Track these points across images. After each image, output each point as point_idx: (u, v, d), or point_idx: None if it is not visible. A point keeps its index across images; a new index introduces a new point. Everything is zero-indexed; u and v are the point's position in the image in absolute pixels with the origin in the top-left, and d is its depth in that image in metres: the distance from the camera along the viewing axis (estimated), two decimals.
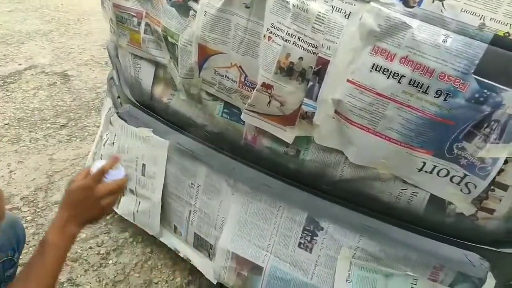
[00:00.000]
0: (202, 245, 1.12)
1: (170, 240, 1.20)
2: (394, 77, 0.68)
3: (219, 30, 0.86)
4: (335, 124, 0.79)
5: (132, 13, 1.05)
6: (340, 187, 0.88)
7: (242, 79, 0.89)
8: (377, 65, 0.69)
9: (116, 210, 1.32)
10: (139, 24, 1.06)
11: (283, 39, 0.76)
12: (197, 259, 1.14)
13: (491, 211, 0.73)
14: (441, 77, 0.65)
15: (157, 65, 1.12)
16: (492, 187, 0.71)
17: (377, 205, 0.85)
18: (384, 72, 0.69)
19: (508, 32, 0.61)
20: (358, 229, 0.88)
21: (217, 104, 0.99)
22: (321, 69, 0.74)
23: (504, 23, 0.61)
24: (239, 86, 0.90)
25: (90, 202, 0.67)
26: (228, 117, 0.99)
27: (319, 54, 0.73)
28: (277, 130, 0.89)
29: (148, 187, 1.20)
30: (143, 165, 1.19)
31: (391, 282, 0.87)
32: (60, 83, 2.38)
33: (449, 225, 0.79)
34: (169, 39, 0.98)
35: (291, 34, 0.74)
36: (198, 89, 1.01)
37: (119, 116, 1.25)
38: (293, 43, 0.75)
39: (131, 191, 1.26)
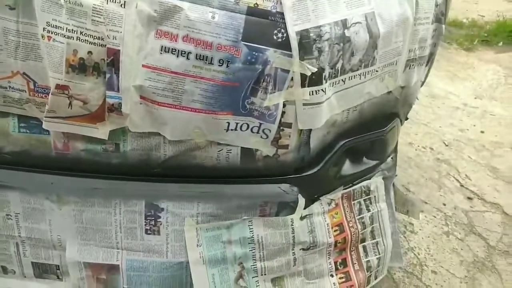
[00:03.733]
0: (46, 270, 1.03)
1: (1, 284, 1.05)
2: (182, 55, 0.76)
3: None
4: (144, 109, 0.83)
5: None
6: (167, 166, 0.93)
7: (32, 87, 0.82)
8: (165, 47, 0.76)
9: None
10: None
11: (64, 36, 0.73)
12: (45, 287, 1.04)
13: (286, 146, 0.92)
14: (218, 48, 0.76)
15: None
16: (281, 128, 0.88)
17: (203, 171, 0.95)
18: (173, 52, 0.76)
19: (256, 3, 0.76)
20: (195, 197, 0.96)
21: (10, 120, 0.89)
22: (114, 59, 0.76)
23: None
24: (30, 95, 0.83)
25: None
26: (28, 131, 0.89)
27: (108, 46, 0.75)
28: (88, 130, 0.86)
29: None
30: None
31: (233, 231, 0.99)
32: None
33: (262, 168, 0.95)
34: None
35: (72, 30, 0.73)
36: None
37: None
38: (77, 38, 0.74)
39: None
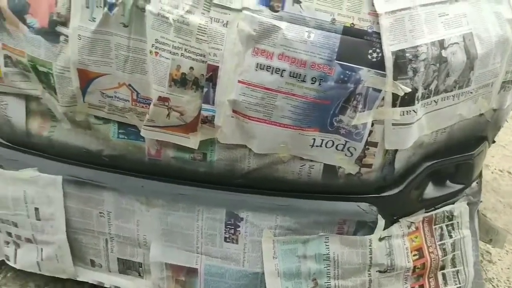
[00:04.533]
0: (129, 267, 1.10)
1: (89, 276, 1.13)
2: (277, 72, 0.79)
3: (99, 52, 0.84)
4: (235, 122, 0.87)
5: None
6: (249, 178, 0.96)
7: (135, 97, 0.89)
8: (261, 64, 0.79)
9: (13, 266, 1.18)
10: None
11: (170, 52, 0.79)
12: (127, 283, 1.12)
13: (370, 165, 0.91)
14: (312, 66, 0.78)
15: (27, 98, 1.03)
16: (367, 147, 0.88)
17: (284, 185, 0.96)
18: (268, 69, 0.79)
19: (353, 23, 0.77)
20: (274, 210, 0.98)
21: (111, 127, 0.97)
22: (212, 75, 0.81)
23: (348, 16, 0.76)
24: (132, 105, 0.91)
25: None
26: (126, 137, 0.97)
27: (208, 62, 0.79)
28: (181, 139, 0.92)
29: (48, 231, 1.10)
30: (36, 209, 1.09)
31: (309, 246, 1.00)
32: None
33: (342, 185, 0.95)
34: (39, 68, 0.91)
35: (177, 47, 0.79)
36: (85, 115, 0.97)
37: None
38: (181, 55, 0.79)
39: (28, 240, 1.14)
